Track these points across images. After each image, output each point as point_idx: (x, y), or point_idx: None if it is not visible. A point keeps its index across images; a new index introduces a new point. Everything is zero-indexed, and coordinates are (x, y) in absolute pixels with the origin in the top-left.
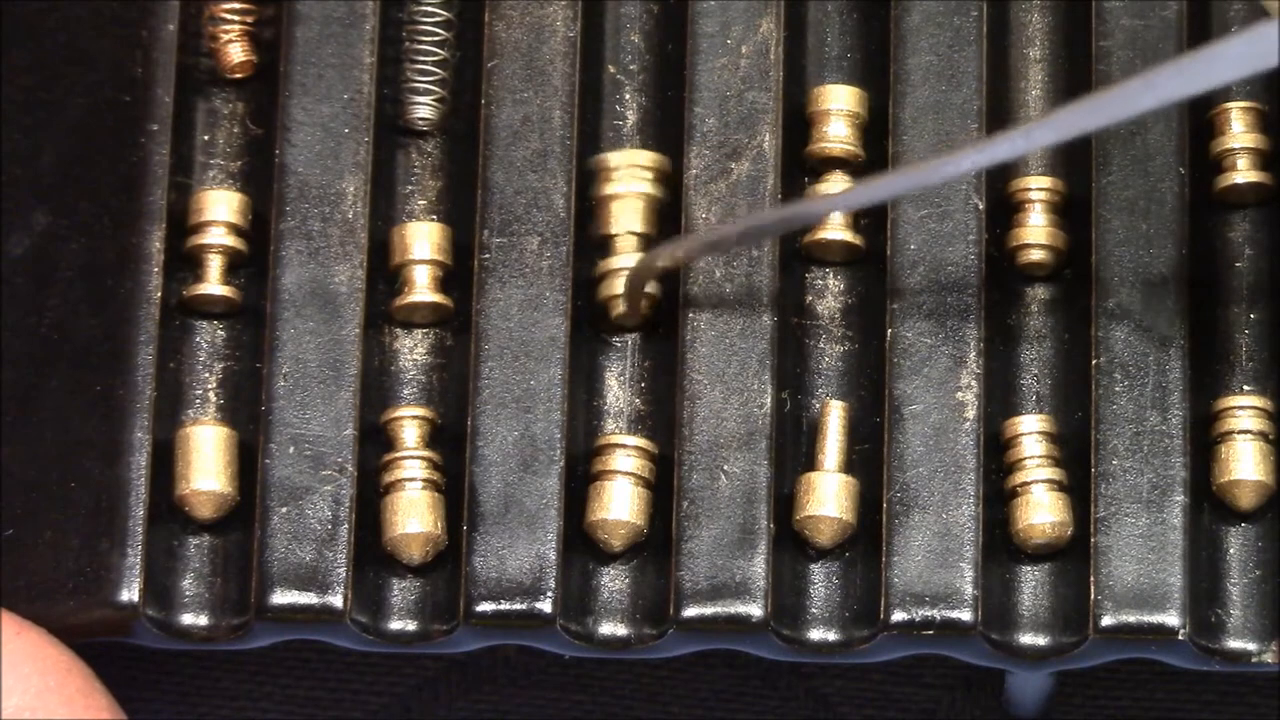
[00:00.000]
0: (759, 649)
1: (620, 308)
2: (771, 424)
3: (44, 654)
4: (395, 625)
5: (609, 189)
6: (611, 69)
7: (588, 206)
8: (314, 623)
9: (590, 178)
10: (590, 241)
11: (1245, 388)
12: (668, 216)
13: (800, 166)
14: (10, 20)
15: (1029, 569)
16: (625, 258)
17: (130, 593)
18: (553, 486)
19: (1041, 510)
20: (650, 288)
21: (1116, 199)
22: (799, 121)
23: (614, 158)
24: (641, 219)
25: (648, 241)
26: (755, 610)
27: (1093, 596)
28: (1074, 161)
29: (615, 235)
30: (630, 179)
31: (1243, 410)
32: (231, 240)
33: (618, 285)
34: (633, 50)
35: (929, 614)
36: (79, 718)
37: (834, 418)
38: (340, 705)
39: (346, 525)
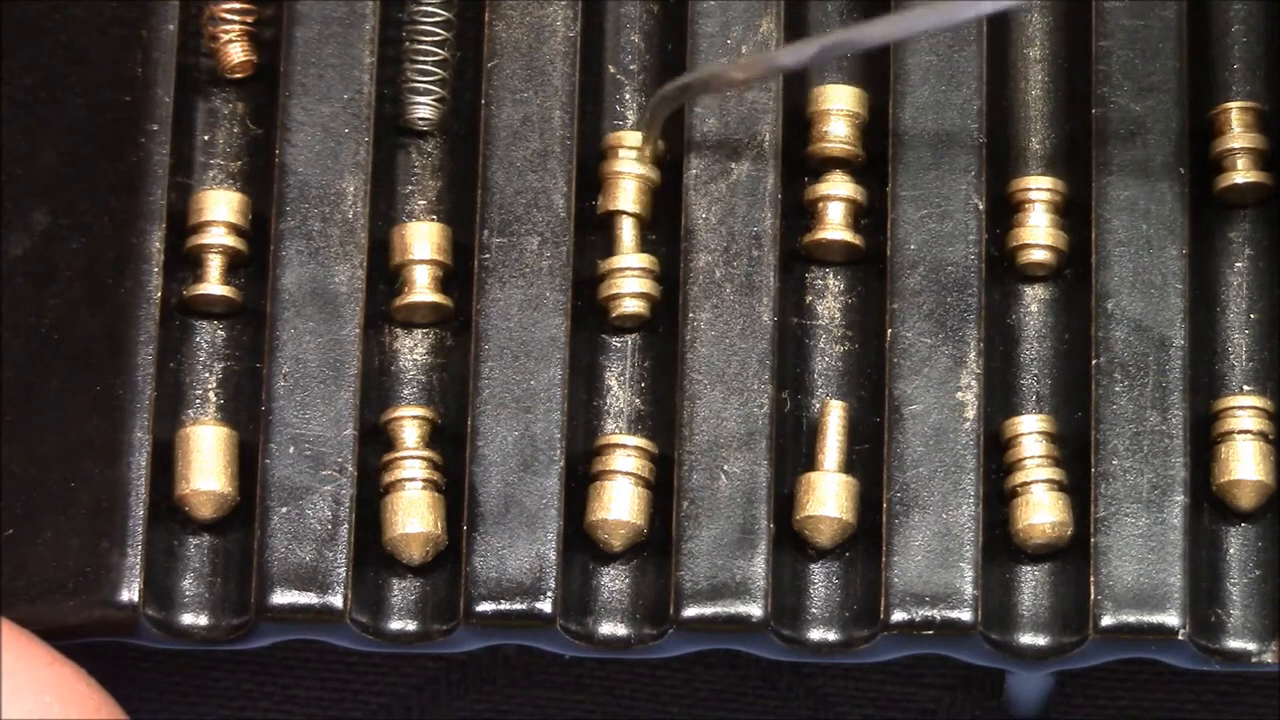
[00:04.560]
0: (759, 649)
1: (621, 308)
2: (771, 424)
3: (73, 688)
4: (395, 625)
5: (619, 165)
6: (611, 69)
7: (588, 206)
8: (314, 623)
9: (592, 174)
10: (595, 224)
11: (1245, 388)
12: (669, 227)
13: (800, 166)
14: (10, 20)
15: (1029, 569)
16: (627, 257)
17: (130, 593)
18: (553, 486)
19: (1041, 510)
20: (650, 288)
21: (1116, 199)
22: (799, 121)
23: (627, 136)
24: (644, 200)
25: (651, 221)
26: (755, 610)
27: (1093, 596)
28: (1074, 161)
29: (620, 211)
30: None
31: (1243, 410)
32: (231, 240)
33: (619, 284)
34: (633, 50)
35: (929, 614)
36: None
37: (834, 418)
38: (340, 705)
39: (346, 525)
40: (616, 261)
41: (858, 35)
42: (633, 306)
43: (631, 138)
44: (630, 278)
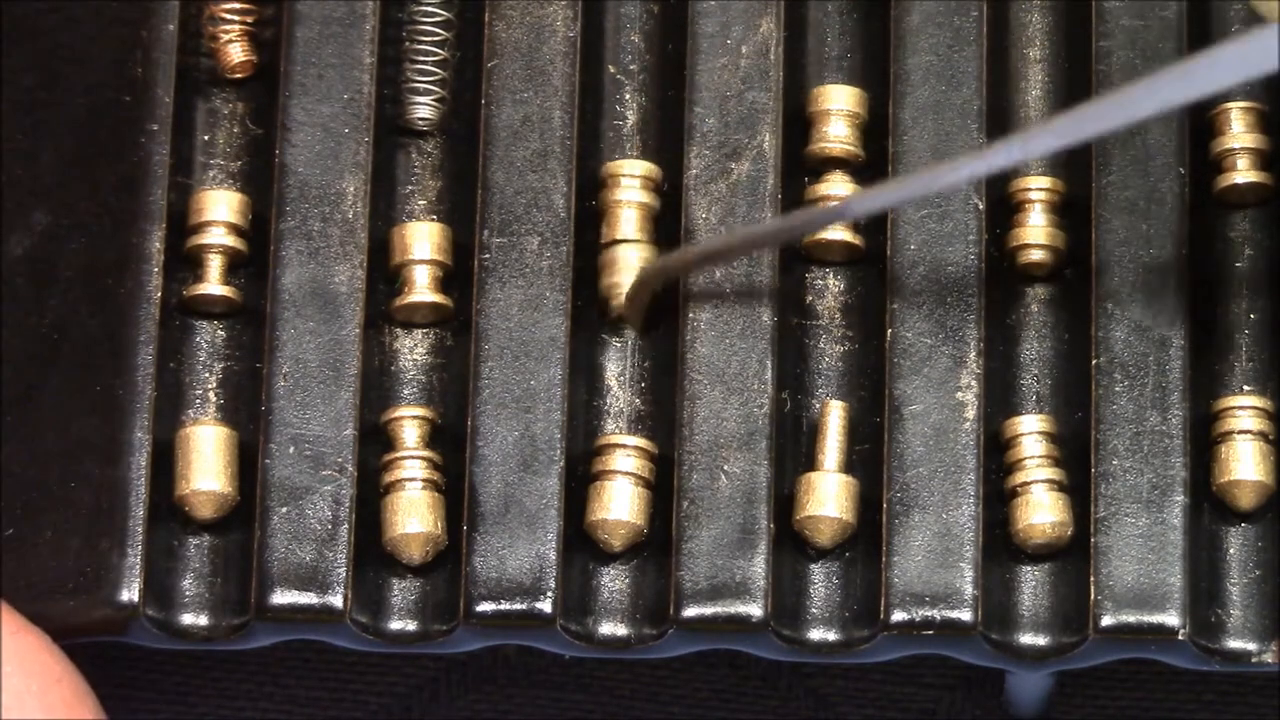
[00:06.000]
0: (759, 649)
1: (621, 305)
2: (771, 424)
3: (35, 658)
4: (395, 625)
5: (618, 195)
6: (611, 69)
7: (588, 206)
8: (314, 623)
9: (592, 174)
10: (595, 224)
11: (1245, 388)
12: (669, 226)
13: (800, 166)
14: (10, 20)
15: (1029, 569)
16: (628, 249)
17: (130, 593)
18: (553, 486)
19: (1041, 510)
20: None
21: (1116, 199)
22: (799, 121)
23: (625, 165)
24: (647, 227)
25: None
26: (755, 610)
27: (1093, 596)
28: (1074, 161)
29: (622, 240)
30: (638, 188)
31: (1243, 410)
32: (231, 240)
33: (619, 274)
34: (633, 50)
35: (929, 614)
36: None
37: (834, 418)
38: (340, 705)
39: (346, 525)
40: (618, 253)
41: (816, 217)
42: None
43: (630, 166)
44: (630, 272)
